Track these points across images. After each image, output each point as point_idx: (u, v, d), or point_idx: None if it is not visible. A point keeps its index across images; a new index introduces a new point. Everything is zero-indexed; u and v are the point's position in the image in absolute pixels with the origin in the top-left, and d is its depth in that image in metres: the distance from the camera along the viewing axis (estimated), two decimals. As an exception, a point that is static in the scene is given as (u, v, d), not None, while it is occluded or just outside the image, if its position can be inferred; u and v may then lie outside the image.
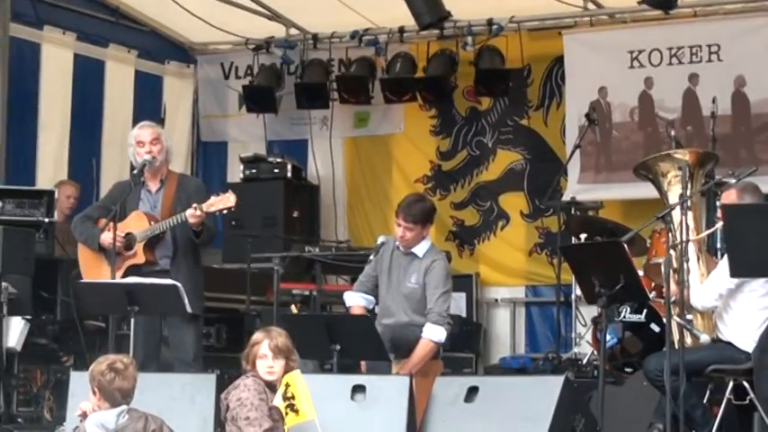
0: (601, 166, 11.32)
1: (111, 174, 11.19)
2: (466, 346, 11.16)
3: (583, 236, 9.95)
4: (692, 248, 7.49)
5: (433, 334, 7.97)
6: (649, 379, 7.28)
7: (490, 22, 11.50)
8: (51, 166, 11.41)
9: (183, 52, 12.85)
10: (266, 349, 6.71)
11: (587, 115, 10.64)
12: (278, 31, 12.38)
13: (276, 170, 12.11)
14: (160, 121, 11.43)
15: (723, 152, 9.13)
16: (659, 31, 11.07)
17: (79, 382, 7.24)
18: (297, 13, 12.12)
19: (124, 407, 6.22)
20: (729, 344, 7.32)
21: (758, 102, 10.69)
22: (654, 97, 11.12)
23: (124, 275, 8.16)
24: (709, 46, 10.85)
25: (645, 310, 9.12)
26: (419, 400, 7.22)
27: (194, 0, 11.47)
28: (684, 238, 7.09)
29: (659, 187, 7.88)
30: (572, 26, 11.52)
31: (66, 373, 8.82)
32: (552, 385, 6.98)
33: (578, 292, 9.68)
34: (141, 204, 8.44)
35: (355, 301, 8.38)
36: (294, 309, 9.70)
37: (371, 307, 8.45)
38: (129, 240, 8.29)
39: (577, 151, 10.73)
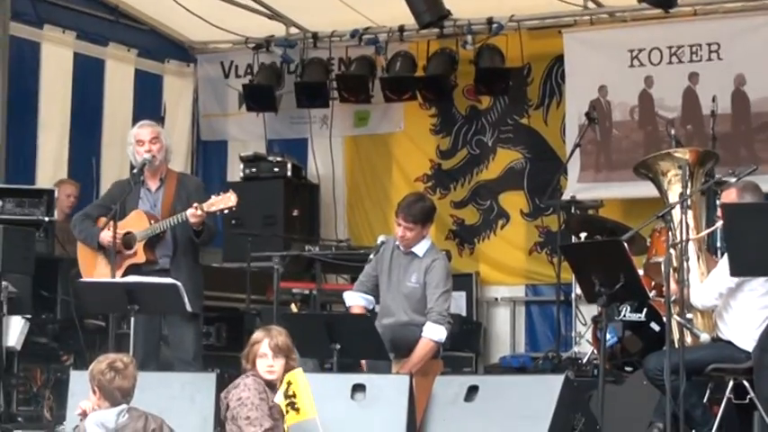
0: (601, 164, 11.31)
1: (111, 173, 11.18)
2: (466, 346, 11.16)
3: (583, 235, 9.95)
4: (692, 247, 7.49)
5: (434, 333, 7.97)
6: (649, 378, 7.28)
7: (490, 21, 11.50)
8: (51, 165, 11.41)
9: (182, 51, 12.85)
10: (266, 348, 6.71)
11: (587, 114, 10.64)
12: (278, 29, 12.38)
13: (276, 169, 12.10)
14: (160, 120, 11.42)
15: (723, 151, 9.12)
16: (659, 29, 11.07)
17: (79, 382, 7.25)
18: (297, 11, 12.11)
19: (124, 406, 6.22)
20: (729, 343, 7.32)
21: (758, 100, 10.69)
22: (654, 96, 11.11)
23: (124, 274, 8.17)
24: (709, 45, 10.84)
25: (645, 309, 9.12)
26: (419, 400, 7.22)
27: (194, -1, 11.50)
28: (684, 237, 7.09)
29: (659, 186, 7.87)
30: (572, 25, 11.52)
31: (66, 373, 8.82)
32: (552, 384, 6.99)
33: (578, 290, 9.66)
34: (141, 203, 8.44)
35: (355, 300, 8.38)
36: (294, 308, 9.69)
37: (371, 307, 8.45)
38: (129, 239, 8.30)
39: (577, 150, 10.73)
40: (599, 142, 11.26)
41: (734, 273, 6.91)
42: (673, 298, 7.27)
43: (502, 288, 11.89)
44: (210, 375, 7.68)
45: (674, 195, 7.64)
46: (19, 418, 9.30)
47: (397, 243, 8.26)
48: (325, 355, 7.67)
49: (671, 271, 7.18)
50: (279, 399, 6.43)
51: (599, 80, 11.29)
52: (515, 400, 6.99)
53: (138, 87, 12.30)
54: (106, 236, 8.23)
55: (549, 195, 10.68)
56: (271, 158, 12.20)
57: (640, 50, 11.08)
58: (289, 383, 6.38)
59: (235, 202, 8.16)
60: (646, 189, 8.38)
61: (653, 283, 8.88)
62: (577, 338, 10.41)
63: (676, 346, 7.17)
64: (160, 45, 12.61)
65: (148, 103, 12.26)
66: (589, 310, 10.05)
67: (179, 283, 7.76)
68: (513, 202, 11.89)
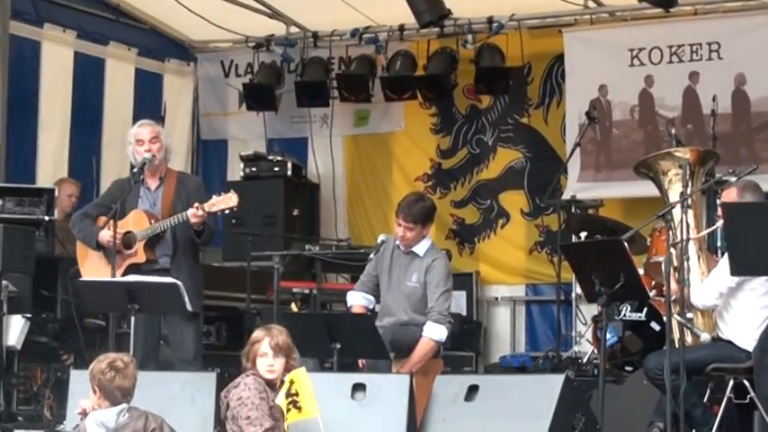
0: (601, 164, 11.31)
1: (112, 172, 11.17)
2: (466, 345, 11.16)
3: (583, 234, 9.94)
4: (692, 247, 7.49)
5: (434, 333, 7.98)
6: (649, 378, 7.27)
7: (490, 20, 11.49)
8: (51, 164, 11.40)
9: (183, 50, 12.85)
10: (267, 347, 6.71)
11: (587, 113, 10.64)
12: (278, 29, 12.38)
13: (276, 168, 12.10)
14: (160, 119, 11.42)
15: (723, 150, 9.11)
16: (659, 29, 11.07)
17: (79, 381, 7.25)
18: (297, 11, 12.11)
19: (124, 405, 6.22)
20: (730, 342, 7.32)
21: (758, 100, 10.68)
22: (654, 95, 11.11)
23: (124, 274, 8.16)
24: (710, 44, 10.84)
25: (645, 309, 9.12)
26: (419, 399, 7.22)
27: (194, -2, 11.50)
28: (685, 237, 7.09)
29: (659, 185, 7.87)
30: (572, 24, 11.51)
31: (67, 372, 8.82)
32: (552, 384, 6.99)
33: (578, 290, 9.66)
34: (140, 202, 8.44)
35: (356, 300, 8.39)
36: (294, 307, 9.68)
37: (372, 306, 8.46)
38: (129, 239, 8.29)
39: (578, 149, 10.73)
40: (599, 142, 11.25)
41: (734, 272, 6.91)
42: (673, 297, 7.27)
43: (502, 287, 11.88)
44: (211, 375, 7.68)
45: (674, 195, 7.64)
46: (19, 418, 9.31)
47: (398, 242, 8.26)
48: (326, 354, 7.67)
49: (671, 270, 7.17)
50: (280, 399, 6.43)
51: (599, 79, 11.28)
52: (515, 400, 6.99)
53: (139, 86, 12.30)
54: (105, 235, 8.23)
55: (549, 195, 10.67)
56: (271, 158, 12.19)
57: (641, 50, 11.08)
58: (292, 382, 6.39)
59: (236, 203, 8.16)
60: (646, 188, 8.38)
61: (653, 283, 8.88)
62: (578, 338, 10.40)
63: (677, 345, 7.17)
64: (160, 44, 12.61)
65: (149, 103, 12.26)
66: (589, 310, 10.04)
67: (179, 283, 7.76)
68: (514, 201, 11.89)
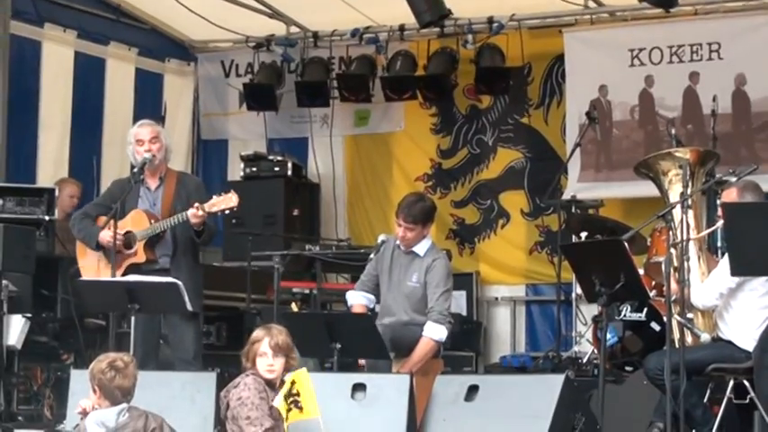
0: (601, 164, 11.31)
1: (112, 172, 11.17)
2: (466, 345, 11.16)
3: (583, 234, 9.95)
4: (692, 247, 7.49)
5: (434, 333, 7.98)
6: (650, 378, 7.27)
7: (491, 21, 11.50)
8: (52, 164, 11.40)
9: (183, 50, 12.85)
10: (266, 347, 6.71)
11: (588, 113, 10.64)
12: (278, 28, 12.38)
13: (276, 168, 12.10)
14: (160, 119, 11.43)
15: (723, 150, 9.11)
16: (660, 29, 11.07)
17: (79, 381, 7.25)
18: (297, 11, 12.11)
19: (124, 405, 6.22)
20: (730, 343, 7.32)
21: (759, 100, 10.68)
22: (654, 95, 11.11)
23: (124, 274, 8.16)
24: (710, 44, 10.84)
25: (645, 309, 9.12)
26: (419, 399, 7.22)
27: (195, -2, 11.50)
28: (685, 237, 7.08)
29: (660, 186, 7.87)
30: (572, 24, 11.51)
31: (67, 372, 8.83)
32: (552, 384, 6.98)
33: (579, 290, 9.66)
34: (140, 202, 8.44)
35: (357, 299, 8.39)
36: (294, 307, 9.69)
37: (372, 306, 8.46)
38: (129, 239, 8.29)
39: (578, 149, 10.73)
40: (599, 142, 11.25)
41: (734, 272, 6.91)
42: (673, 298, 7.27)
43: (502, 287, 11.88)
44: (211, 375, 7.67)
45: (674, 195, 7.64)
46: (19, 417, 9.31)
47: (398, 242, 8.26)
48: (326, 354, 7.67)
49: (671, 271, 7.17)
50: (278, 401, 6.43)
51: (599, 79, 11.28)
52: (516, 400, 6.99)
53: (139, 86, 12.30)
54: (106, 236, 8.23)
55: (549, 195, 10.68)
56: (271, 158, 12.19)
57: (641, 50, 11.08)
58: (293, 383, 6.40)
59: (236, 203, 8.16)
60: (646, 189, 8.38)
61: (653, 283, 8.88)
62: (578, 338, 10.40)
63: (677, 345, 7.16)
64: (161, 44, 12.61)
65: (149, 102, 12.26)
66: (589, 310, 10.04)
67: (179, 282, 7.76)
68: (514, 201, 11.89)
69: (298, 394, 6.36)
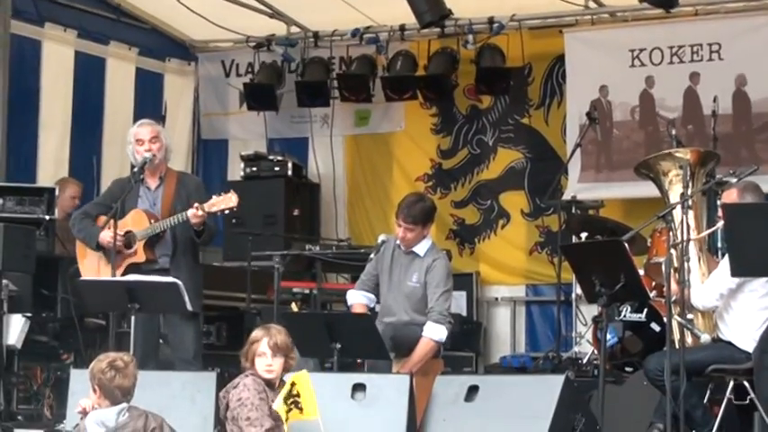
0: (601, 164, 11.31)
1: (112, 172, 11.16)
2: (466, 345, 11.16)
3: (583, 235, 9.95)
4: (692, 248, 7.49)
5: (434, 333, 7.98)
6: (650, 378, 7.27)
7: (491, 21, 11.50)
8: (52, 163, 11.40)
9: (183, 50, 12.85)
10: (265, 347, 6.69)
11: (588, 114, 10.64)
12: (279, 28, 12.38)
13: (277, 168, 12.10)
14: (161, 118, 11.42)
15: (724, 151, 9.11)
16: (660, 29, 11.06)
17: (79, 380, 7.24)
18: (298, 10, 12.11)
19: (124, 405, 6.22)
20: (730, 344, 7.32)
21: (759, 101, 10.68)
22: (655, 96, 11.11)
23: (124, 274, 8.16)
24: (710, 45, 10.84)
25: (645, 310, 9.11)
26: (419, 399, 7.22)
27: (195, -3, 11.49)
28: (685, 238, 7.09)
29: (660, 186, 7.87)
30: (573, 25, 11.51)
31: (67, 371, 8.82)
32: (552, 384, 6.98)
33: (579, 291, 9.67)
34: (140, 202, 8.44)
35: (357, 299, 8.39)
36: (294, 307, 9.69)
37: (373, 305, 8.46)
38: (129, 239, 8.29)
39: (578, 150, 10.73)
40: (600, 142, 11.25)
41: (734, 273, 6.91)
42: (673, 298, 7.27)
43: (502, 288, 11.88)
44: (211, 374, 7.67)
45: (674, 195, 7.64)
46: (19, 417, 9.31)
47: (398, 242, 8.26)
48: (326, 354, 7.67)
49: (671, 271, 7.17)
50: (278, 404, 6.43)
51: (600, 80, 11.28)
52: (515, 401, 6.98)
53: (139, 86, 12.30)
54: (106, 236, 8.23)
55: (549, 195, 10.68)
56: (271, 157, 12.19)
57: (641, 50, 11.08)
58: (293, 384, 6.39)
59: (236, 203, 8.15)
60: (646, 189, 8.38)
61: (653, 284, 8.88)
62: (578, 339, 10.40)
63: (677, 346, 7.16)
64: (161, 44, 12.61)
65: (149, 102, 12.26)
66: (589, 311, 10.04)
67: (179, 282, 7.76)
68: (514, 201, 11.89)
69: (298, 395, 6.36)
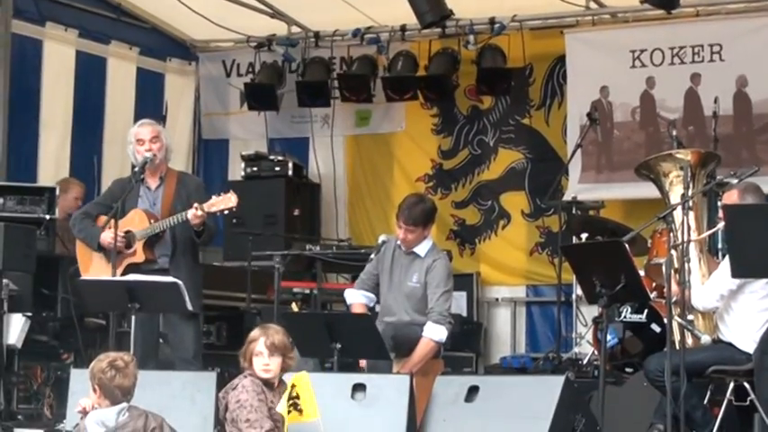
0: (602, 165, 11.31)
1: (113, 171, 11.17)
2: (466, 346, 11.16)
3: (584, 235, 9.95)
4: (693, 249, 7.49)
5: (434, 333, 7.98)
6: (650, 379, 7.27)
7: (492, 21, 11.50)
8: (53, 163, 11.40)
9: (184, 50, 12.85)
10: (262, 347, 6.69)
11: (589, 115, 10.64)
12: (279, 28, 12.38)
13: (277, 168, 12.10)
14: (161, 118, 11.43)
15: (725, 152, 9.12)
16: (661, 30, 11.06)
17: (79, 380, 7.24)
18: (298, 10, 12.11)
19: (124, 404, 6.21)
20: (730, 345, 7.32)
21: (760, 102, 10.68)
22: (655, 97, 11.11)
23: (123, 274, 8.16)
24: (711, 46, 10.84)
25: (646, 311, 9.11)
26: (419, 400, 7.21)
27: (196, -3, 11.50)
28: (686, 239, 7.09)
29: (661, 187, 7.87)
30: (574, 25, 11.52)
31: (67, 371, 8.82)
32: (553, 385, 6.98)
33: (579, 291, 9.67)
34: (140, 202, 8.43)
35: (356, 298, 8.38)
36: (295, 307, 9.69)
37: (372, 305, 8.46)
38: (129, 239, 8.29)
39: (579, 151, 10.73)
40: (600, 143, 11.25)
41: (735, 274, 6.91)
42: (674, 299, 7.26)
43: (502, 288, 11.88)
44: (211, 374, 7.66)
45: (675, 196, 7.64)
46: (19, 416, 9.30)
47: (399, 243, 8.26)
48: (326, 354, 7.66)
49: (672, 272, 7.17)
50: (281, 407, 6.42)
51: (601, 81, 11.28)
52: (516, 401, 6.98)
53: (140, 86, 12.30)
54: (107, 236, 8.22)
55: (550, 196, 10.68)
56: (272, 157, 12.19)
57: (642, 51, 11.08)
58: (293, 386, 6.39)
59: (235, 203, 8.15)
60: (647, 190, 8.38)
61: (654, 285, 8.88)
62: (578, 339, 10.41)
63: (677, 347, 7.16)
64: (162, 43, 12.61)
65: (150, 102, 12.26)
66: (590, 311, 10.05)
67: (180, 282, 7.75)
68: (515, 202, 11.89)
69: (297, 397, 6.36)
